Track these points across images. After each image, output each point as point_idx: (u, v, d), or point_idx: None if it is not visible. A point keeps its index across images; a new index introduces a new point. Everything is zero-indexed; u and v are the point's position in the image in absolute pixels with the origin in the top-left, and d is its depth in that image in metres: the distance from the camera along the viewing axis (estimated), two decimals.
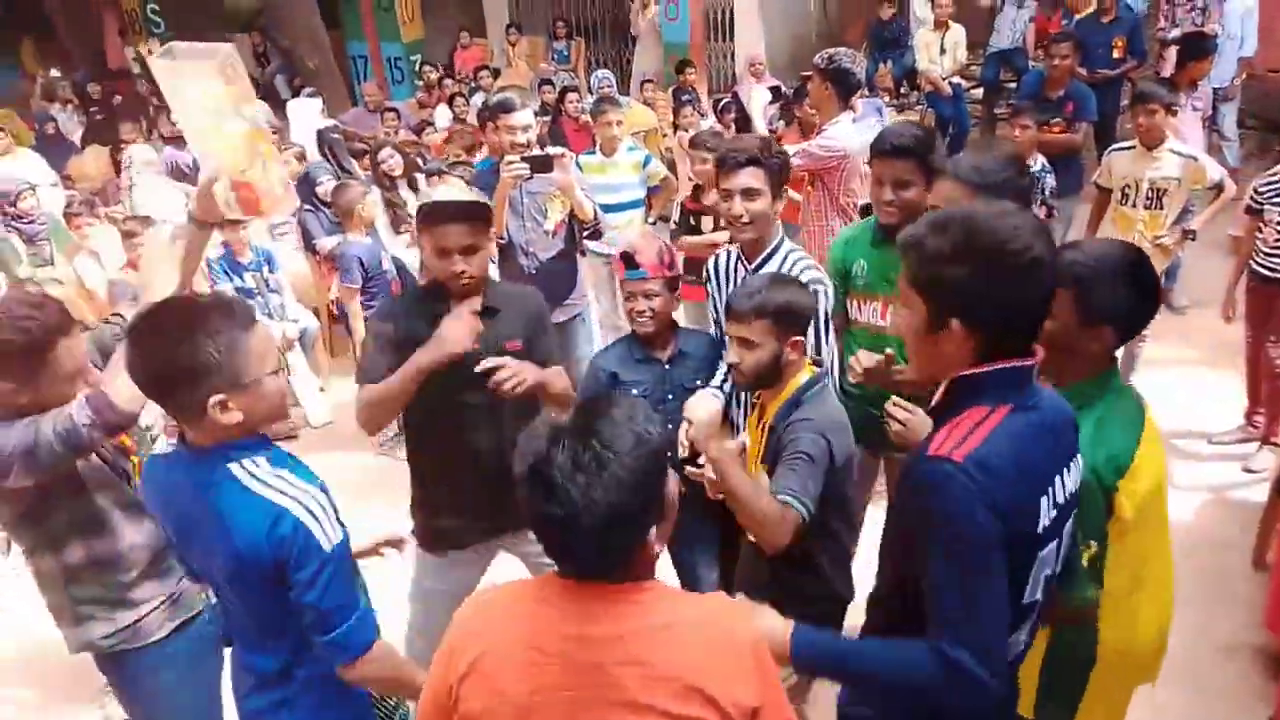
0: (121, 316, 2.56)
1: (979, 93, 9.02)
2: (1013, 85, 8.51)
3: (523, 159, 3.60)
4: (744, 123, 8.09)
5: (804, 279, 2.46)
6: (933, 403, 1.56)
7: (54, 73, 11.44)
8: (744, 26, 10.24)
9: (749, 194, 2.53)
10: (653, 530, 1.31)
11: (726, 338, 2.33)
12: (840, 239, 3.03)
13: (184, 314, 1.63)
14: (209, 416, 1.61)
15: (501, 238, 3.85)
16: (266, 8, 11.84)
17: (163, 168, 6.92)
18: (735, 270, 2.75)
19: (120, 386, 2.06)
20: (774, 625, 1.58)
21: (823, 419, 2.16)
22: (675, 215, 4.84)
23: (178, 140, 7.44)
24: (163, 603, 2.31)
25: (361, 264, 4.71)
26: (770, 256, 2.62)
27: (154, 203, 6.29)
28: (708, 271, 2.85)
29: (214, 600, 2.33)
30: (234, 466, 1.65)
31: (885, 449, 2.73)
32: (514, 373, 2.27)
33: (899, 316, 1.57)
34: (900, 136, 2.67)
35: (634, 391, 2.57)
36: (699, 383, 2.62)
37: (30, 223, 5.44)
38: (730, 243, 4.48)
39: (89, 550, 2.21)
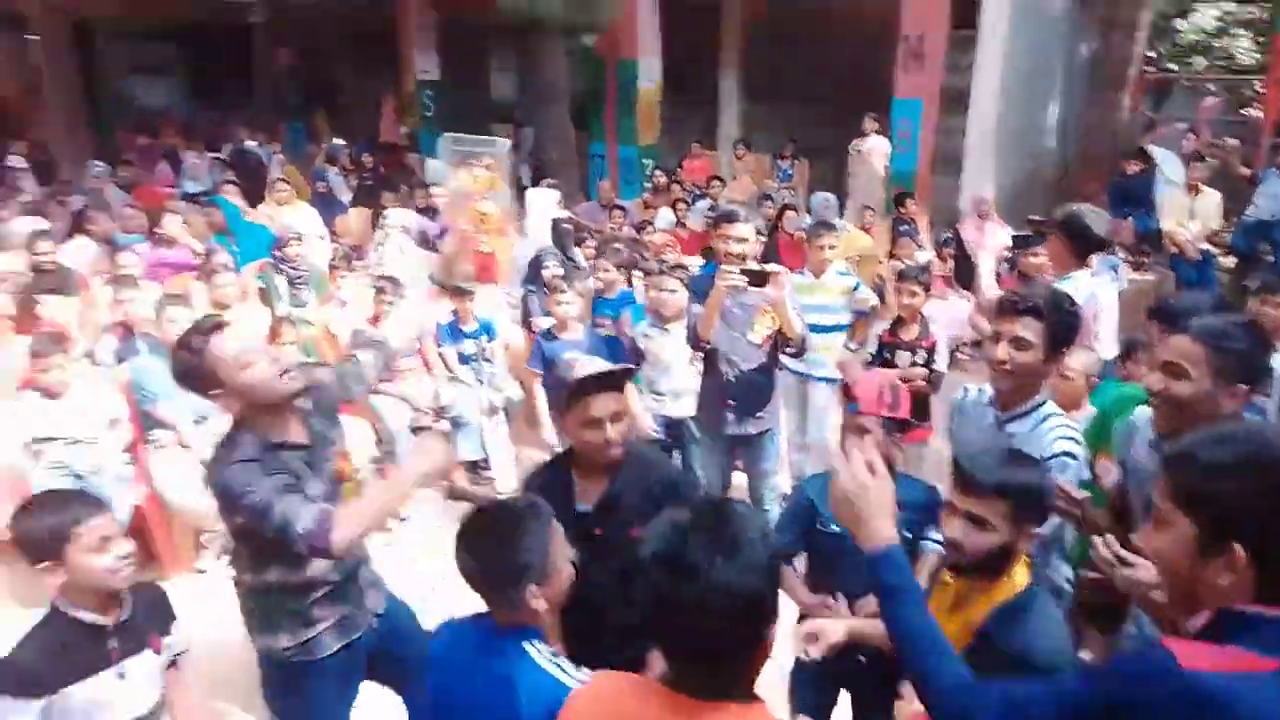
0: (356, 357, 2.86)
1: (1228, 261, 8.40)
2: (1271, 259, 7.88)
3: (741, 271, 3.71)
4: (964, 261, 7.94)
5: (1056, 448, 2.33)
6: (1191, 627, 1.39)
7: (337, 140, 13.04)
8: (974, 163, 10.11)
9: (1019, 343, 2.39)
10: (772, 630, 1.31)
11: (947, 506, 2.00)
12: (1115, 393, 3.12)
13: (507, 519, 1.90)
14: (526, 605, 1.85)
15: (707, 343, 3.97)
16: (524, 104, 13.11)
17: (414, 235, 7.64)
18: (984, 414, 2.59)
19: (348, 525, 2.26)
20: (882, 528, 1.56)
21: (1060, 643, 1.89)
22: (873, 346, 4.79)
23: (429, 211, 8.24)
24: (336, 622, 2.53)
25: (543, 353, 4.98)
26: (1028, 413, 2.44)
27: (398, 263, 6.95)
28: (953, 408, 2.77)
29: (374, 624, 2.60)
30: (528, 645, 1.87)
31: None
32: None
33: (1156, 541, 1.39)
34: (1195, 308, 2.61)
35: (834, 526, 2.45)
36: (908, 535, 2.45)
37: (294, 268, 6.18)
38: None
39: (285, 577, 2.44)
